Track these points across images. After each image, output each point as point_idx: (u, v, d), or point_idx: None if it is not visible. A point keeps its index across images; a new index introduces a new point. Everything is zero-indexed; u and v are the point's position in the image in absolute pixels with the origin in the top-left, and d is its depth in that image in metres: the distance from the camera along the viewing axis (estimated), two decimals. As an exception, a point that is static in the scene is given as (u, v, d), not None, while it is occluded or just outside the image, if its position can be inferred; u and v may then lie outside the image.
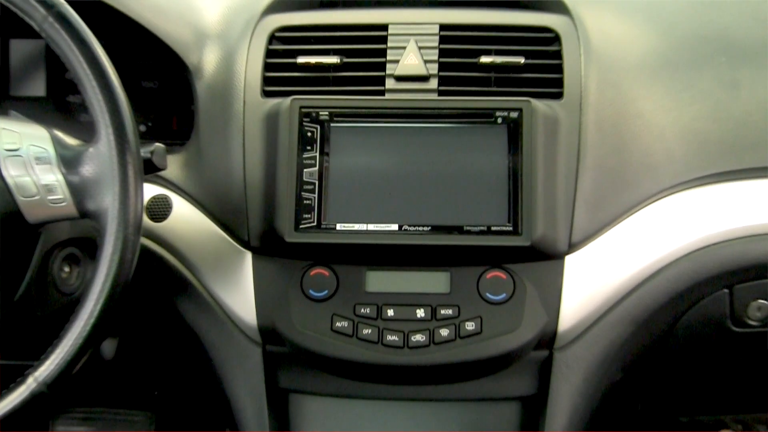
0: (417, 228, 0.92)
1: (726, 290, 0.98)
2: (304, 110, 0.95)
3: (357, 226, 0.93)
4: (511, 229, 0.91)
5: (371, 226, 0.93)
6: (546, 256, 0.93)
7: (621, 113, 0.97)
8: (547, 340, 0.95)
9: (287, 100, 0.95)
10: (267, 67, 1.02)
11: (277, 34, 1.04)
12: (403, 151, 0.94)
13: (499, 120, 0.93)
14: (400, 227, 0.92)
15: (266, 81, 1.01)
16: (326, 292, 0.96)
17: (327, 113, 0.95)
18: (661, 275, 0.95)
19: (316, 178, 0.94)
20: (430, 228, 0.92)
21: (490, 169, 0.92)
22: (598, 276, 0.95)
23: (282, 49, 1.04)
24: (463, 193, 0.92)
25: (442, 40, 1.01)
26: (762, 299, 0.98)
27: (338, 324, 0.94)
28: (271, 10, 1.07)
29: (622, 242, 0.95)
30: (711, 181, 0.96)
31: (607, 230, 0.95)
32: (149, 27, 1.02)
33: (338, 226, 0.93)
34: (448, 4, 1.08)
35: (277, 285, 0.98)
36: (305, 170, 0.94)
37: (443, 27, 1.02)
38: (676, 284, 0.95)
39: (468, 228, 0.91)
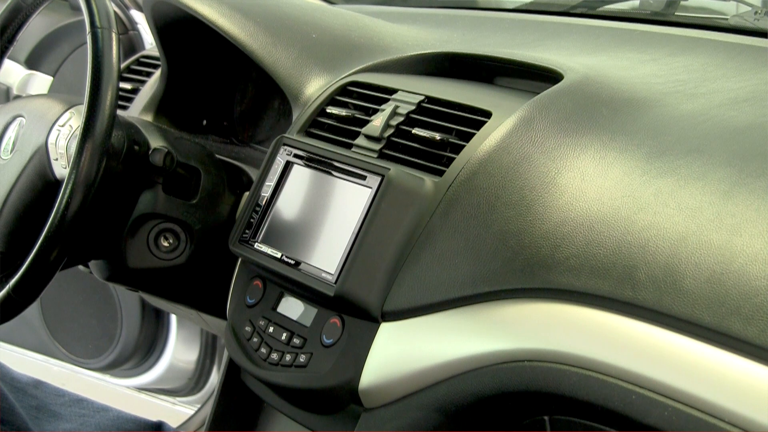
0: (290, 259, 1.04)
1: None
2: (284, 147, 1.14)
3: (266, 249, 1.08)
4: (332, 276, 0.96)
5: (269, 250, 1.07)
6: (361, 315, 0.95)
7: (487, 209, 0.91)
8: (354, 396, 0.96)
9: (279, 137, 1.15)
10: (318, 113, 1.21)
11: (348, 88, 1.22)
12: (311, 195, 1.07)
13: (369, 180, 0.99)
14: (281, 255, 1.05)
15: (312, 123, 1.20)
16: (254, 300, 1.13)
17: (293, 154, 1.12)
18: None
19: (264, 203, 1.12)
20: (295, 263, 1.03)
21: (347, 221, 0.99)
22: (407, 355, 0.92)
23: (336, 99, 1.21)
24: (323, 236, 1.01)
25: (417, 110, 1.08)
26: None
27: (246, 329, 1.11)
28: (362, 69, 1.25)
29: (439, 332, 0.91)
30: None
31: (429, 315, 0.92)
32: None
33: (256, 245, 1.10)
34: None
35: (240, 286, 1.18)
36: (261, 194, 1.13)
37: (426, 99, 1.09)
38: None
39: (306, 264, 1.00)
